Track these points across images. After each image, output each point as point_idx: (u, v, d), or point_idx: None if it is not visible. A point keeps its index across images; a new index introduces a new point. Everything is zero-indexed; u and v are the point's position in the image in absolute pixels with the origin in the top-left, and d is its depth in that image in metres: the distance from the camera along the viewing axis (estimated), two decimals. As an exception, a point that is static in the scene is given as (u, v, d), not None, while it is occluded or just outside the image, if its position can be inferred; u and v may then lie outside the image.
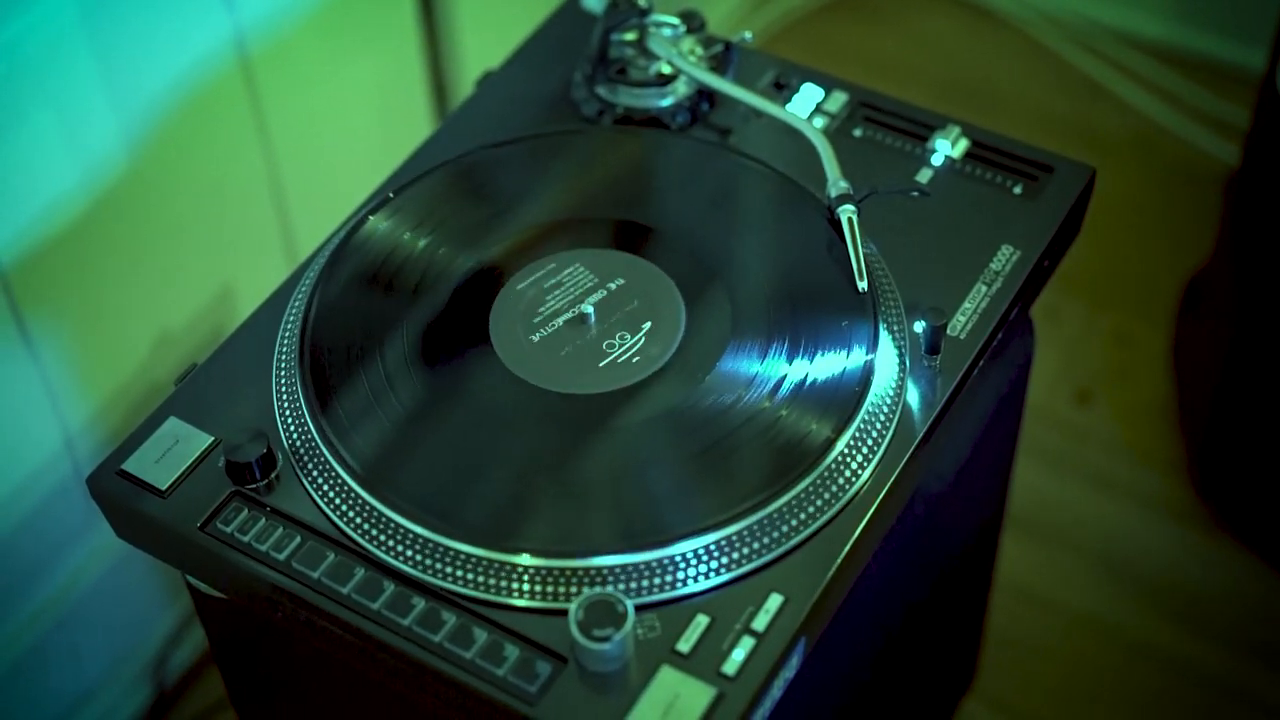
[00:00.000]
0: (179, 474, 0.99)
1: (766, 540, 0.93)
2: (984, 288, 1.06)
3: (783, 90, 1.19)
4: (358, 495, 0.95)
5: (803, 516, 0.94)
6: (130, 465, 0.99)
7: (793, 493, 0.94)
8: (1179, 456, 1.78)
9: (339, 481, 0.96)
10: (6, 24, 1.20)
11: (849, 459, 0.96)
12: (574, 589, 0.91)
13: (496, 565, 0.92)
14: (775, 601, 0.92)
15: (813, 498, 0.95)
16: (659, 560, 0.92)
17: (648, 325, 1.03)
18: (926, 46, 2.24)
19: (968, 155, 1.14)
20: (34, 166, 1.26)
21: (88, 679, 1.51)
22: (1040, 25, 2.22)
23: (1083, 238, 1.19)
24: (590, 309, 1.04)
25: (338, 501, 0.96)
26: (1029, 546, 1.71)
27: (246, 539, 0.96)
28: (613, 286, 1.05)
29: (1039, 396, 1.82)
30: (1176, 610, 1.67)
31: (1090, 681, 1.63)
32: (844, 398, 0.98)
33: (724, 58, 1.18)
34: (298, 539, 0.96)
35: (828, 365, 1.00)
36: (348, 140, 1.58)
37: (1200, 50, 2.18)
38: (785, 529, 0.94)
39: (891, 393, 1.00)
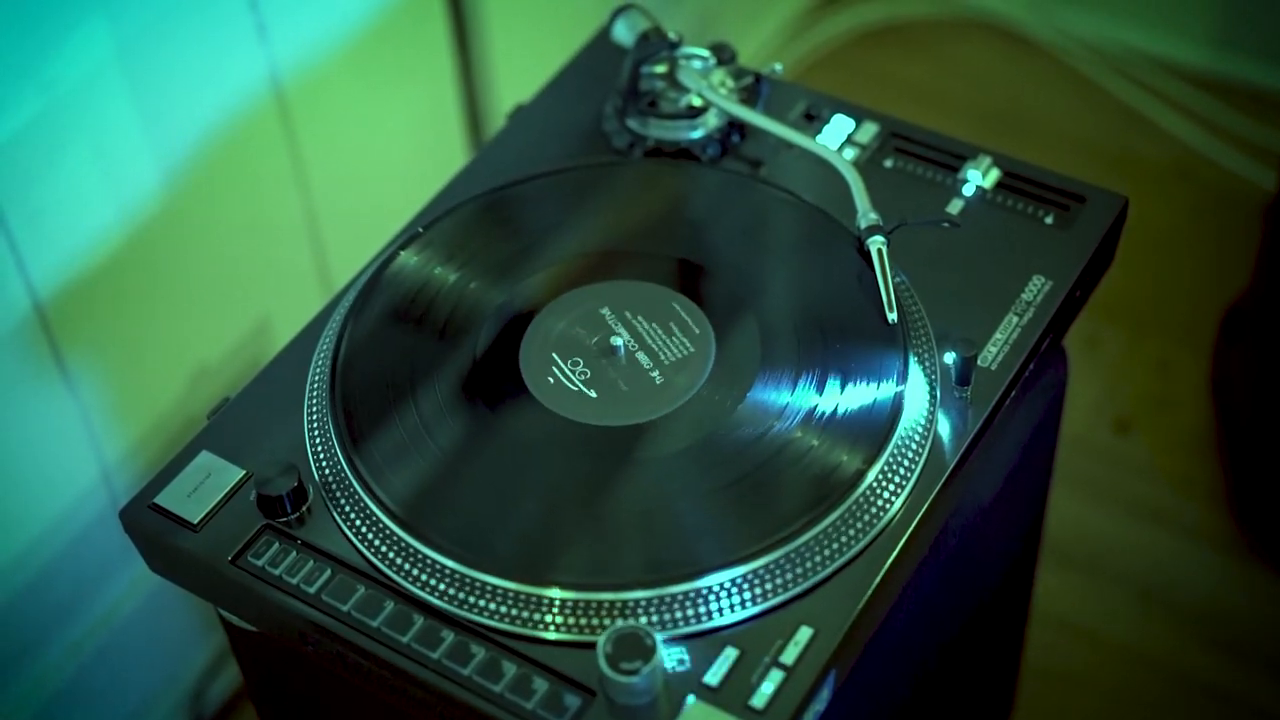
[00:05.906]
0: (211, 508, 0.99)
1: (796, 572, 0.93)
2: (1015, 318, 1.06)
3: (813, 122, 1.19)
4: (387, 528, 0.96)
5: (833, 548, 0.94)
6: (163, 499, 1.00)
7: (823, 525, 0.94)
8: (1219, 485, 1.77)
9: (369, 515, 0.96)
10: (44, 62, 1.21)
11: (879, 490, 0.96)
12: (603, 622, 0.91)
13: (526, 598, 0.92)
14: (805, 634, 0.91)
15: (843, 529, 0.94)
16: (688, 593, 0.91)
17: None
18: (964, 75, 2.23)
19: (999, 185, 1.14)
20: (72, 202, 1.27)
21: (126, 710, 1.51)
22: (1078, 53, 2.21)
23: (1122, 266, 1.18)
24: (620, 341, 1.04)
25: (368, 535, 0.96)
26: (1068, 576, 1.70)
27: (277, 573, 0.96)
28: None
29: (1078, 426, 1.81)
30: (1217, 640, 1.65)
31: (1130, 713, 1.61)
32: (874, 429, 0.98)
33: (754, 90, 1.18)
34: (328, 572, 0.96)
35: (858, 396, 1.00)
36: (383, 173, 1.59)
37: (1238, 76, 2.17)
38: (815, 561, 0.93)
39: (922, 424, 0.99)
